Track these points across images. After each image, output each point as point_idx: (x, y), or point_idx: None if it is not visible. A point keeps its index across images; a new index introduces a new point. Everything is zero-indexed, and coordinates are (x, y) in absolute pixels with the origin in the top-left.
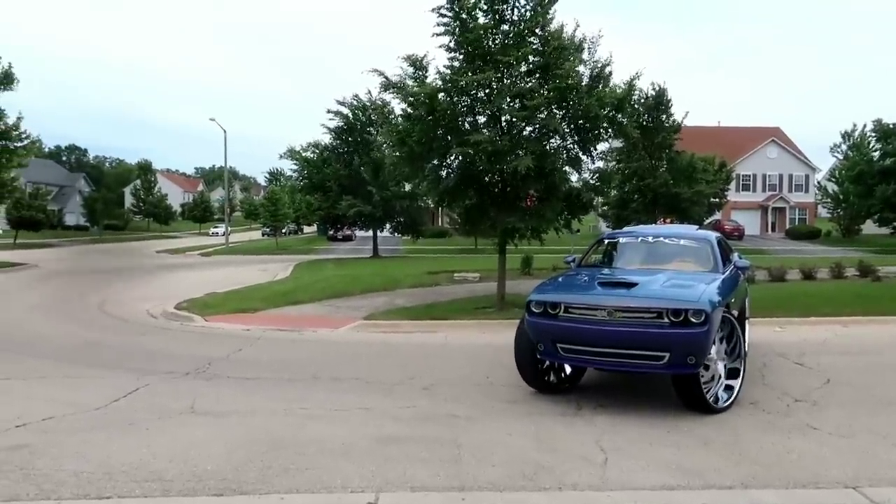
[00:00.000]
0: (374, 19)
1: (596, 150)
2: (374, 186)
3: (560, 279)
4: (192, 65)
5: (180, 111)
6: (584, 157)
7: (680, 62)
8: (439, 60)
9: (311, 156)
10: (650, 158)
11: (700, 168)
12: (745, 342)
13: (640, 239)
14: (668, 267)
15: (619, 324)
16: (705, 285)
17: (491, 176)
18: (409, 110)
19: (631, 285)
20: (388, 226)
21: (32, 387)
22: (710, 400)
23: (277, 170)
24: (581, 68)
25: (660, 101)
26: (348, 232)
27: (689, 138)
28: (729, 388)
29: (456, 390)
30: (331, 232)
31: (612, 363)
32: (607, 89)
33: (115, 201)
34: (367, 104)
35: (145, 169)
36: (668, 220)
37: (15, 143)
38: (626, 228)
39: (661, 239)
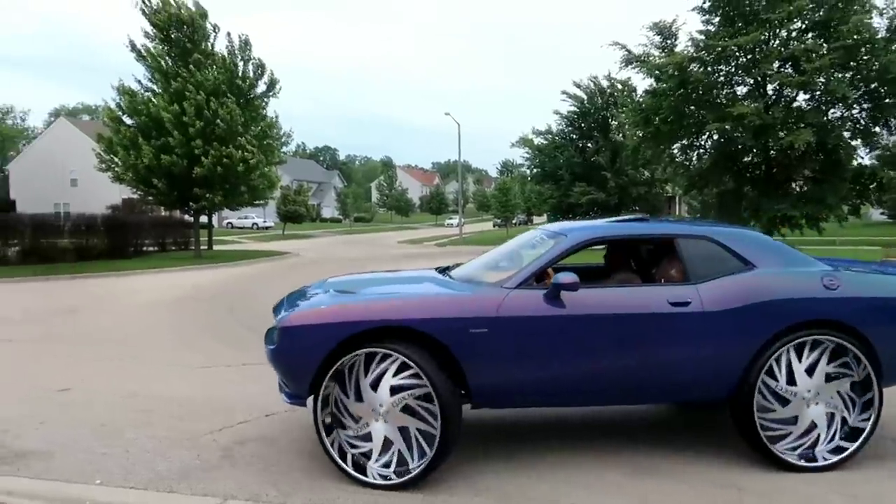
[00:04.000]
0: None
1: (894, 119)
2: (610, 172)
3: None
4: (431, 66)
5: (419, 110)
6: (877, 129)
7: None
8: (689, 27)
9: (543, 143)
10: None
11: None
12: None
13: (537, 231)
14: (483, 271)
15: None
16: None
17: (753, 155)
18: (654, 85)
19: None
20: (623, 214)
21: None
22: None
23: (509, 161)
24: (875, 19)
25: None
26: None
27: None
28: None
29: None
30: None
31: None
32: None
33: (363, 196)
34: (605, 85)
35: (388, 165)
36: None
37: (273, 142)
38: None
39: (539, 233)
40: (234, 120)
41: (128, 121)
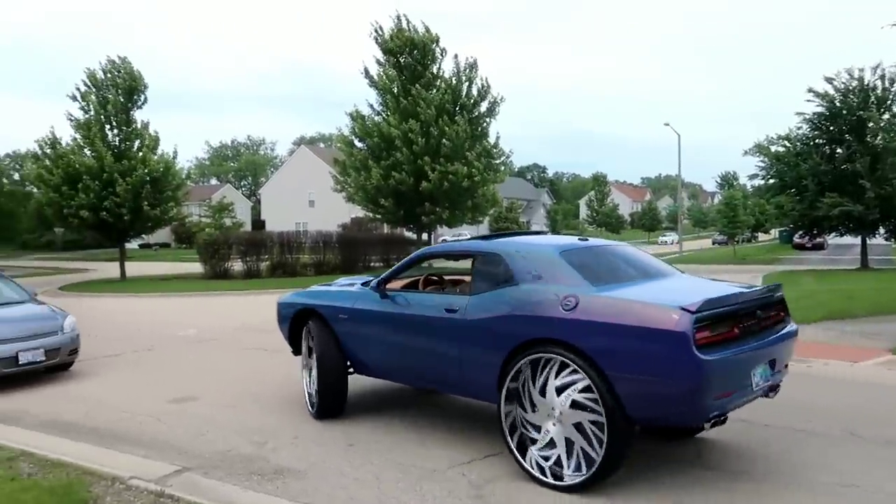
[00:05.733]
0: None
1: None
2: (870, 181)
3: None
4: (637, 80)
5: (625, 126)
6: None
7: None
8: None
9: (781, 150)
10: None
11: None
12: None
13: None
14: None
15: None
16: None
17: None
18: None
19: None
20: (881, 230)
21: None
22: None
23: (730, 173)
24: None
25: None
26: (819, 240)
27: None
28: None
29: None
30: (798, 239)
31: None
32: None
33: (572, 212)
34: (870, 78)
35: (600, 181)
36: None
37: (494, 160)
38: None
39: None
40: (460, 138)
41: (358, 144)
